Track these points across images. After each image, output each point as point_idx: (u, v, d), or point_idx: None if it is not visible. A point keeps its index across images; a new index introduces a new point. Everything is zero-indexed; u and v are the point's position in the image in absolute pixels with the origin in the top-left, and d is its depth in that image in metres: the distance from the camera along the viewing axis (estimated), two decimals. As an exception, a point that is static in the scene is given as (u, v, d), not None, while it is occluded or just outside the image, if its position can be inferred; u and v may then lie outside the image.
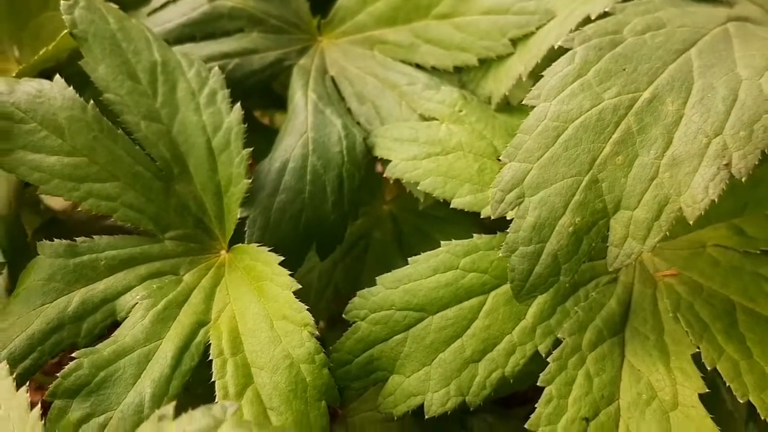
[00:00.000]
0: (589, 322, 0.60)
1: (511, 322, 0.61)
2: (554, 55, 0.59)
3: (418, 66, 0.73)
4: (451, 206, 0.64)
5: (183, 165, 0.65)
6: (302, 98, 0.71)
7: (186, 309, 0.61)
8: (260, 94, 0.80)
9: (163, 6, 0.76)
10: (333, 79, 0.76)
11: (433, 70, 0.72)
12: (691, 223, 0.51)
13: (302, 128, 0.69)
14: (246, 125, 0.65)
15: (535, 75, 0.63)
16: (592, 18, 0.61)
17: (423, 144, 0.67)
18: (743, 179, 0.50)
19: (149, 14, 0.76)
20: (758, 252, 0.61)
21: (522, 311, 0.61)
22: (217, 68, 0.67)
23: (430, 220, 0.76)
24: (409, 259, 0.64)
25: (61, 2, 0.63)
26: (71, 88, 0.62)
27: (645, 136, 0.53)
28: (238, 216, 0.64)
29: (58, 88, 0.61)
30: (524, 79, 0.64)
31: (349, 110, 0.74)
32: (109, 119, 0.63)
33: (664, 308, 0.60)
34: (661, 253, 0.64)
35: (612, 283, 0.63)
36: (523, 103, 0.57)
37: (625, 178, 0.53)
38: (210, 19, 0.75)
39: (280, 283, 0.59)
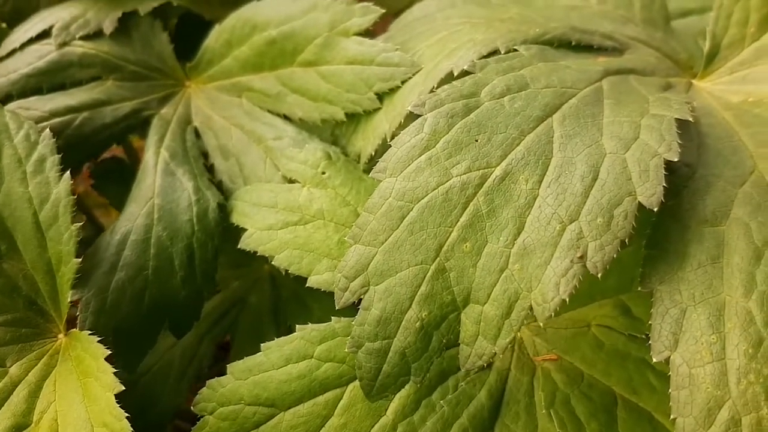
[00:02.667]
0: (455, 419, 0.53)
1: (369, 419, 0.54)
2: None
3: (287, 117, 0.65)
4: (307, 285, 0.57)
5: (10, 241, 0.58)
6: (153, 157, 0.64)
7: (5, 410, 0.54)
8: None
9: (8, 54, 0.69)
10: (197, 131, 0.69)
11: (303, 122, 0.65)
12: (541, 325, 0.44)
13: (148, 193, 0.61)
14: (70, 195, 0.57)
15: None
16: (455, 74, 0.54)
17: (281, 211, 0.60)
18: (599, 275, 0.43)
19: (-7, 63, 0.69)
20: (644, 336, 0.54)
21: (382, 406, 0.55)
22: (48, 131, 0.59)
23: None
24: (261, 345, 0.57)
25: None
26: None
27: (495, 220, 0.46)
28: (70, 299, 0.57)
29: None
30: (389, 140, 0.57)
31: (212, 167, 0.67)
32: None
33: (539, 401, 0.54)
34: (542, 333, 0.57)
35: (485, 369, 0.56)
36: (370, 176, 0.50)
37: (473, 268, 0.46)
38: (58, 68, 0.68)
39: (104, 382, 0.52)
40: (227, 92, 0.69)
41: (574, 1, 0.64)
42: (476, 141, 0.48)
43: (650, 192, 0.44)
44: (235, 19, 0.68)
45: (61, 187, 0.58)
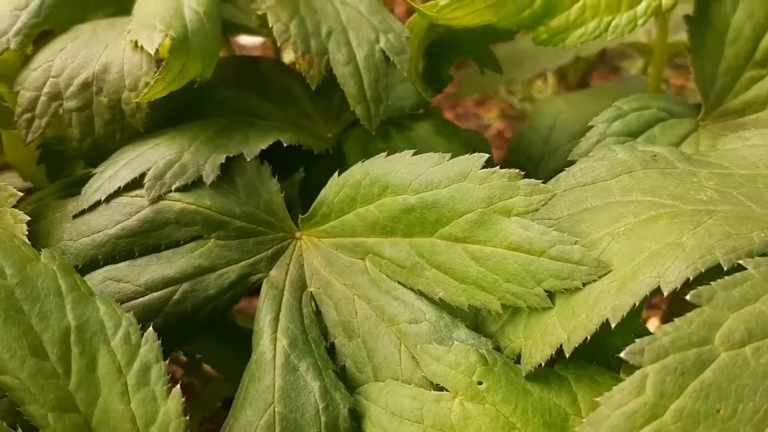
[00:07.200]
0: None
1: None
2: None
3: (422, 293, 0.55)
4: None
5: (109, 466, 0.49)
6: (270, 345, 0.54)
7: None
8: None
9: (91, 208, 0.59)
10: (314, 299, 0.59)
11: (443, 302, 0.54)
12: None
13: (267, 398, 0.52)
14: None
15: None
16: (665, 294, 0.43)
17: (429, 430, 0.50)
18: None
19: (74, 217, 0.59)
20: None
21: None
22: (151, 331, 0.50)
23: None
24: None
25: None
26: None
27: None
28: None
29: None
30: (567, 355, 0.47)
31: (332, 347, 0.57)
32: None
33: None
34: None
35: None
36: (570, 438, 0.40)
37: None
38: (152, 228, 0.58)
39: None
40: (348, 252, 0.59)
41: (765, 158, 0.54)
42: (718, 412, 0.38)
43: None
44: (360, 173, 0.57)
45: (171, 405, 0.48)
